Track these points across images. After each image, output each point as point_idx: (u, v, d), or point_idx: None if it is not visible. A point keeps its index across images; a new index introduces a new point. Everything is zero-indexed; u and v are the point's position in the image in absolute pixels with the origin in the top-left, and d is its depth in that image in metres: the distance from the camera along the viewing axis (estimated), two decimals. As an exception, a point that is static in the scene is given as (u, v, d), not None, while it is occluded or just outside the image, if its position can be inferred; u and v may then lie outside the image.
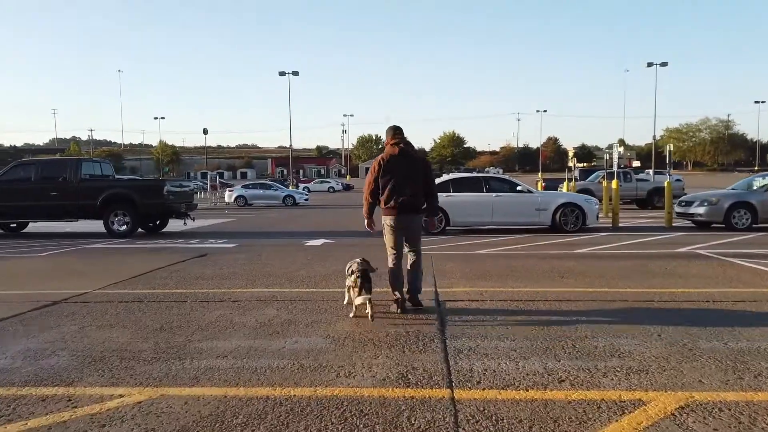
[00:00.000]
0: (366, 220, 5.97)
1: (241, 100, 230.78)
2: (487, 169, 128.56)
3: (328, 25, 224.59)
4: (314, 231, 16.52)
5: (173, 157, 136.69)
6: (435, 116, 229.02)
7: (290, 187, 55.70)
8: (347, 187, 65.35)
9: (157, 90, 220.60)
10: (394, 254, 5.86)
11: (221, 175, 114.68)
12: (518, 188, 14.65)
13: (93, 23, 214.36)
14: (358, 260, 5.66)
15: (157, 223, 16.69)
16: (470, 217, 14.63)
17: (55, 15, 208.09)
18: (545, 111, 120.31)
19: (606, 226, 15.31)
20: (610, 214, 16.69)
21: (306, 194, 35.36)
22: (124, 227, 15.00)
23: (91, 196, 14.96)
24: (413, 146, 5.97)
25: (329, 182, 65.19)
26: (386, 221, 5.85)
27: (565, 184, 23.80)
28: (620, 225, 15.68)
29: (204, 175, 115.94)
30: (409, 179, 5.71)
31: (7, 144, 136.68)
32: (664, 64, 59.41)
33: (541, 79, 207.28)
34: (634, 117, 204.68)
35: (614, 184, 22.95)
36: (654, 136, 69.76)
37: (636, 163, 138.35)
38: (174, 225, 16.88)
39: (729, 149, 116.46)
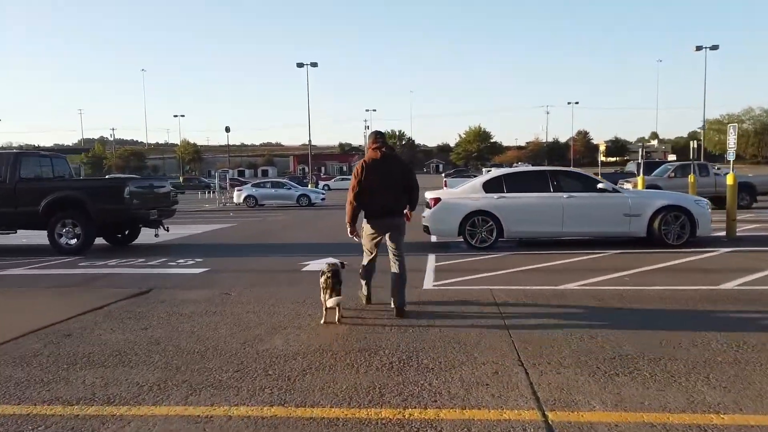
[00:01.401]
0: (348, 227, 5.97)
1: (265, 98, 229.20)
2: (514, 165, 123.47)
3: (350, 19, 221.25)
4: (322, 243, 12.81)
5: (195, 155, 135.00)
6: (460, 110, 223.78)
7: (309, 185, 52.48)
8: (370, 185, 61.69)
9: (181, 88, 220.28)
10: (370, 256, 6.10)
11: (242, 173, 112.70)
12: (599, 186, 10.66)
13: (117, 23, 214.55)
14: (331, 260, 5.78)
15: (127, 233, 13.18)
16: (532, 226, 10.73)
17: (79, 16, 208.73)
18: (576, 103, 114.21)
19: (719, 238, 11.19)
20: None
21: (323, 193, 31.72)
22: (75, 241, 11.47)
23: (32, 200, 11.47)
24: (394, 150, 6.11)
25: (351, 179, 61.58)
26: (368, 223, 5.92)
27: (640, 179, 19.56)
28: (737, 235, 11.53)
29: (226, 173, 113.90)
30: (391, 182, 5.76)
31: (36, 144, 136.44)
32: (714, 47, 54.12)
33: (571, 70, 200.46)
34: (668, 108, 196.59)
35: (691, 178, 18.84)
36: (704, 126, 63.86)
37: (671, 157, 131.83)
38: (148, 236, 13.31)
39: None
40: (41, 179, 12.23)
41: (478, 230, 10.73)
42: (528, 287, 7.01)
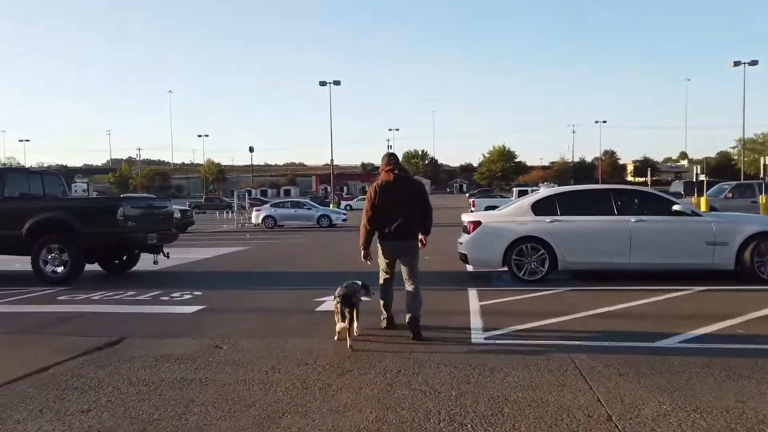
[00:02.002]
0: (362, 251, 5.91)
1: (289, 117, 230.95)
2: (540, 185, 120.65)
3: (373, 39, 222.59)
4: (343, 272, 11.18)
5: (218, 175, 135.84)
6: (484, 130, 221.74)
7: (331, 205, 51.16)
8: (393, 205, 60.16)
9: (206, 109, 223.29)
10: (385, 276, 6.00)
11: (264, 193, 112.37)
12: (675, 208, 8.85)
13: (144, 47, 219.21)
14: (348, 282, 5.63)
15: (124, 259, 11.74)
16: (592, 255, 8.95)
17: (109, 40, 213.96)
18: (605, 122, 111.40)
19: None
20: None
21: (345, 213, 30.21)
22: (61, 269, 10.06)
23: (15, 222, 10.12)
24: (408, 172, 6.18)
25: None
26: (381, 245, 5.86)
27: (703, 201, 17.56)
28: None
29: (249, 193, 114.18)
30: (404, 205, 5.73)
31: (66, 164, 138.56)
32: (753, 63, 51.73)
33: (596, 89, 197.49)
34: (697, 128, 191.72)
35: (762, 199, 16.82)
36: (743, 144, 61.10)
37: (702, 177, 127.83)
38: (146, 262, 11.84)
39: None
40: (27, 198, 10.90)
41: (527, 260, 9.01)
42: (617, 344, 5.25)
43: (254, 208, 30.13)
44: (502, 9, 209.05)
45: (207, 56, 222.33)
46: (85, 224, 9.94)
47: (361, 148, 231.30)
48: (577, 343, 5.32)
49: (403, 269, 5.84)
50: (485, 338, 5.61)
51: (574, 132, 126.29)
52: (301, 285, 9.72)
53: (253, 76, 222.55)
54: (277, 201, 32.56)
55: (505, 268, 9.20)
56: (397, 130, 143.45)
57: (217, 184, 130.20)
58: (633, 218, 8.82)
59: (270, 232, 26.29)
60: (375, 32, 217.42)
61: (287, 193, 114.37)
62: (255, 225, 29.15)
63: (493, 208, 32.53)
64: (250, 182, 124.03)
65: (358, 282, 5.77)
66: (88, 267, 11.01)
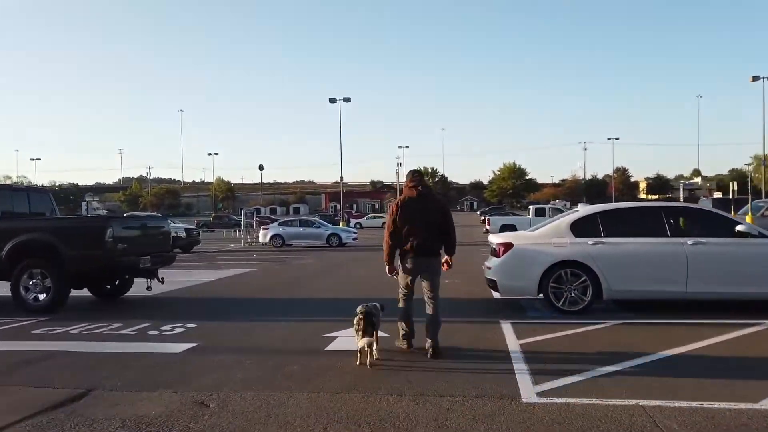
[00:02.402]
0: (387, 266, 5.88)
1: (299, 135, 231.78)
2: (552, 202, 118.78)
3: (383, 56, 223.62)
4: (356, 298, 10.09)
5: (228, 193, 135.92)
6: (494, 148, 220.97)
7: (341, 223, 50.13)
8: (403, 223, 59.02)
9: (218, 127, 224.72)
10: (404, 294, 5.85)
11: (274, 211, 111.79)
12: (738, 229, 7.68)
13: (154, 65, 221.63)
14: (366, 304, 5.52)
15: (116, 284, 10.74)
16: (643, 283, 7.79)
17: (119, 59, 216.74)
18: (617, 139, 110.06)
19: None
20: None
21: (355, 232, 29.19)
22: (44, 296, 9.06)
23: (-6, 244, 9.16)
24: (431, 189, 6.06)
25: (383, 217, 58.88)
26: (402, 262, 5.78)
27: (748, 218, 16.37)
28: None
29: (258, 211, 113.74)
30: (426, 222, 5.67)
31: (77, 182, 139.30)
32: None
33: (608, 106, 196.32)
34: (709, 145, 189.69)
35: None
36: (764, 160, 59.53)
37: (717, 194, 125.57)
38: (141, 287, 10.81)
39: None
40: (9, 217, 9.94)
41: (567, 288, 7.88)
42: (711, 405, 4.11)
43: (262, 227, 29.15)
44: (513, 26, 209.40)
45: (218, 75, 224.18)
46: (70, 247, 8.93)
47: (370, 165, 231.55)
48: (657, 403, 4.18)
49: (424, 288, 5.80)
50: (538, 394, 4.47)
51: (585, 149, 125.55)
52: (308, 315, 8.64)
53: (264, 94, 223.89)
54: (286, 219, 31.58)
55: (540, 295, 8.07)
56: (407, 147, 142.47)
57: (227, 202, 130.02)
58: (689, 240, 7.68)
59: (278, 251, 25.27)
60: (385, 49, 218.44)
61: (296, 211, 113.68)
62: (263, 244, 28.18)
63: (510, 227, 31.55)
64: (260, 200, 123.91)
65: (376, 304, 5.70)
66: (78, 292, 10.03)
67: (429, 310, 5.75)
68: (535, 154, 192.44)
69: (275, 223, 29.42)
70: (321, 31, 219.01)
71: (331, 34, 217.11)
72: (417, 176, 5.95)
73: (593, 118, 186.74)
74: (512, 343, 6.27)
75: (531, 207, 30.56)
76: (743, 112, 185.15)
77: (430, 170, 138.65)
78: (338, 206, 69.90)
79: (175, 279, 13.92)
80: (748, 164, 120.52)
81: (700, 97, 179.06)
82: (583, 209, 8.63)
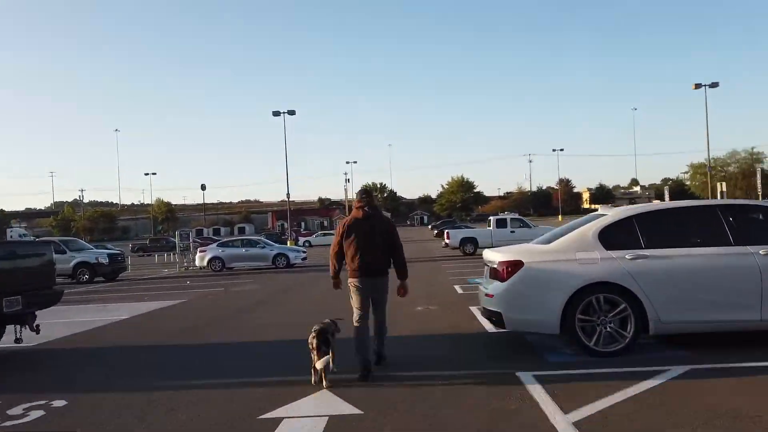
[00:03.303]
0: (333, 281, 6.07)
1: (242, 154, 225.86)
2: (502, 213, 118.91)
3: (327, 72, 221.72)
4: (302, 339, 7.63)
5: (168, 215, 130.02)
6: (441, 162, 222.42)
7: (288, 242, 47.14)
8: (354, 240, 56.43)
9: (155, 147, 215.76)
10: (359, 314, 5.79)
11: (217, 232, 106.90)
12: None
13: (89, 81, 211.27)
14: (324, 321, 5.63)
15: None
16: (702, 310, 5.71)
17: (49, 73, 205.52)
18: (562, 150, 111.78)
19: None
20: None
21: (304, 251, 26.51)
22: None
23: None
24: (379, 209, 6.08)
25: (333, 234, 56.24)
26: (351, 282, 5.81)
27: None
28: None
29: (200, 232, 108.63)
30: (372, 242, 5.72)
31: (7, 209, 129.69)
32: (714, 85, 51.43)
33: (549, 119, 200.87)
34: (646, 155, 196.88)
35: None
36: (709, 167, 60.77)
37: (656, 201, 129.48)
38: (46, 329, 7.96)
39: (762, 182, 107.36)
40: None
41: (599, 320, 5.73)
42: None
43: (198, 249, 26.07)
44: (455, 39, 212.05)
45: (156, 92, 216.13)
46: None
47: (318, 183, 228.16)
48: None
49: (372, 309, 5.84)
50: None
51: (530, 161, 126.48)
52: (242, 374, 6.12)
53: (205, 111, 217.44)
54: (226, 240, 28.59)
55: (558, 329, 5.89)
56: (355, 162, 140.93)
57: (168, 224, 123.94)
58: (761, 249, 5.68)
59: (217, 276, 22.33)
60: (330, 64, 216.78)
61: (241, 231, 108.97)
62: (200, 268, 25.14)
63: (471, 239, 29.71)
64: (203, 221, 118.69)
65: (328, 320, 5.73)
66: None
67: (375, 320, 5.88)
68: (482, 167, 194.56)
69: (214, 245, 26.37)
70: (265, 45, 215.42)
71: (276, 48, 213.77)
72: (365, 197, 5.95)
73: (533, 131, 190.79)
74: (558, 418, 4.01)
75: (491, 218, 28.68)
76: (677, 123, 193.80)
77: (378, 185, 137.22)
78: (285, 224, 66.76)
79: (75, 318, 11.10)
80: (684, 173, 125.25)
81: (635, 109, 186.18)
82: (612, 212, 6.48)
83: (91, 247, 25.83)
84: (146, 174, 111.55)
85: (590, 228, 6.16)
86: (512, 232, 26.56)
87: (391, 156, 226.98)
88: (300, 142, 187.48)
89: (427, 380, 5.34)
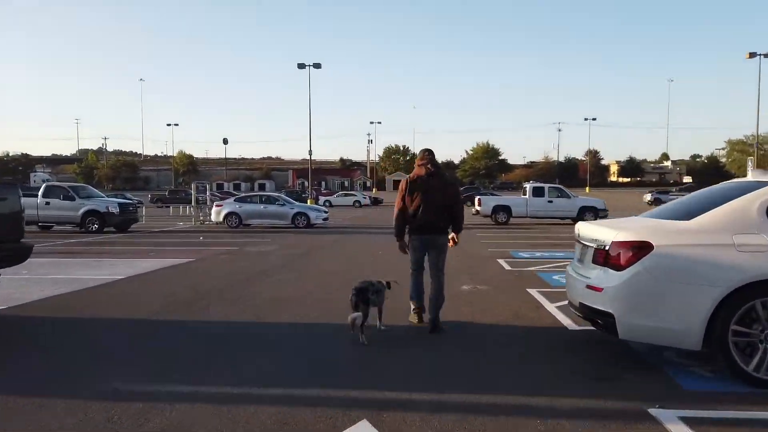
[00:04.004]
0: (398, 243, 6.05)
1: (266, 111, 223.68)
2: (525, 184, 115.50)
3: (354, 30, 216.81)
4: (335, 324, 5.92)
5: (190, 167, 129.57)
6: (466, 127, 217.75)
7: (309, 201, 45.58)
8: (376, 201, 54.51)
9: (180, 99, 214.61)
10: (415, 270, 5.97)
11: (238, 187, 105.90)
12: None
13: (113, 31, 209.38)
14: (365, 280, 5.63)
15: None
16: None
17: (75, 24, 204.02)
18: (594, 119, 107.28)
19: None
20: None
21: (326, 211, 24.84)
22: None
23: None
24: (441, 168, 6.06)
25: (355, 195, 54.37)
26: (411, 239, 5.93)
27: None
28: None
29: (219, 186, 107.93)
30: (434, 200, 5.73)
31: (35, 154, 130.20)
32: (769, 55, 47.69)
33: (580, 88, 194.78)
34: (682, 128, 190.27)
35: None
36: (757, 144, 57.20)
37: (687, 179, 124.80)
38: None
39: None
40: None
41: (765, 336, 3.92)
42: None
43: (215, 204, 24.55)
44: (490, 6, 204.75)
45: (182, 42, 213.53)
46: None
47: (340, 143, 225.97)
48: None
49: (430, 265, 5.88)
50: None
51: (560, 130, 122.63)
52: (248, 380, 4.45)
53: (231, 65, 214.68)
54: (244, 195, 27.00)
55: (698, 344, 4.10)
56: (380, 123, 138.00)
57: (189, 176, 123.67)
58: None
59: (232, 233, 20.84)
60: (357, 23, 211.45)
61: (262, 187, 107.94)
62: (216, 224, 23.70)
63: (504, 208, 27.73)
64: (224, 175, 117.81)
65: (380, 280, 5.75)
66: None
67: (433, 285, 5.81)
68: (508, 134, 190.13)
69: (231, 199, 24.81)
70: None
71: (305, 4, 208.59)
72: (428, 155, 5.92)
73: (563, 99, 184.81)
74: None
75: (527, 185, 26.56)
76: (712, 98, 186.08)
77: (401, 148, 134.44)
78: (306, 183, 65.25)
79: (67, 275, 9.62)
80: (721, 149, 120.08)
81: (671, 80, 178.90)
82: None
83: (103, 195, 24.46)
84: (168, 125, 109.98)
85: (753, 201, 4.25)
86: (550, 201, 24.57)
87: (415, 119, 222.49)
88: (324, 101, 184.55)
89: (506, 409, 3.62)
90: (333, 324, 6.09)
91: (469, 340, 5.57)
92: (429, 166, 5.81)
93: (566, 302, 7.24)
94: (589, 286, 4.51)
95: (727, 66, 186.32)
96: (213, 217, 23.88)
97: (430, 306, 5.78)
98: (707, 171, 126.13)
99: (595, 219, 25.21)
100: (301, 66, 50.20)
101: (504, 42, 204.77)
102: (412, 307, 6.01)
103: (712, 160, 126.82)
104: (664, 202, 38.71)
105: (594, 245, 4.66)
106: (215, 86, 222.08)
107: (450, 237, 5.88)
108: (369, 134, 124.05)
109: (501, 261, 11.89)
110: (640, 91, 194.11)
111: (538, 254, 13.23)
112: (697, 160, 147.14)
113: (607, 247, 4.42)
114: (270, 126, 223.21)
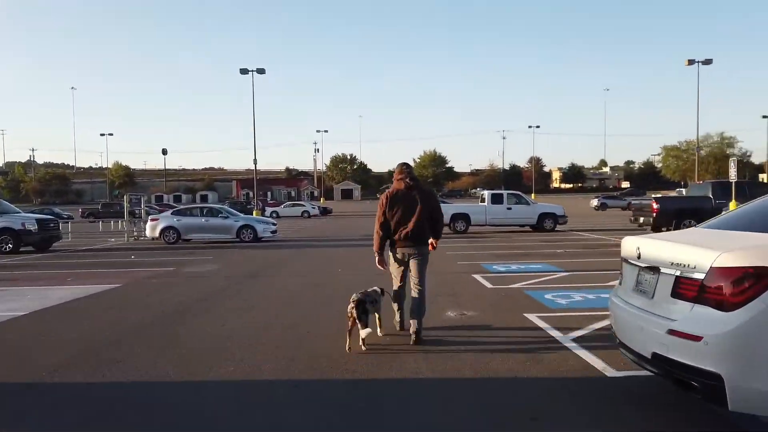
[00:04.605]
0: (376, 257, 6.03)
1: (208, 121, 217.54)
2: (472, 191, 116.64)
3: (299, 38, 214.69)
4: (286, 384, 4.33)
5: (126, 179, 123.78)
6: (411, 136, 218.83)
7: (254, 213, 43.24)
8: (325, 211, 52.58)
9: (117, 109, 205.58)
10: (399, 284, 6.07)
11: (178, 199, 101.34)
12: None
13: (46, 39, 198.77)
14: (364, 290, 5.72)
15: None
16: None
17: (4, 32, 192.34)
18: (538, 127, 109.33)
19: None
20: None
21: (274, 223, 22.95)
22: None
23: None
24: (419, 181, 6.14)
25: (303, 205, 52.24)
26: (393, 252, 6.01)
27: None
28: None
29: (159, 199, 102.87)
30: (414, 212, 5.81)
31: None
32: (707, 62, 49.16)
33: (523, 97, 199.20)
34: (618, 135, 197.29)
35: None
36: (698, 148, 59.01)
37: (625, 184, 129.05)
38: None
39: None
40: None
41: None
42: None
43: (150, 217, 22.25)
44: (435, 14, 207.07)
45: (118, 48, 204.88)
46: None
47: (286, 152, 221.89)
48: None
49: (411, 276, 5.97)
50: None
51: (504, 137, 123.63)
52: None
53: (170, 77, 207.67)
54: (182, 207, 24.75)
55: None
56: (326, 131, 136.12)
57: (125, 188, 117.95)
58: None
59: (169, 250, 18.70)
60: (302, 29, 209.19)
61: (204, 198, 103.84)
62: (152, 239, 21.46)
63: (463, 216, 26.37)
64: (164, 187, 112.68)
65: (375, 289, 5.89)
66: None
67: (414, 294, 5.88)
68: (453, 142, 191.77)
69: (168, 212, 22.58)
70: (237, 7, 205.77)
71: (243, 8, 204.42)
72: (405, 169, 6.03)
73: (507, 108, 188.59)
74: None
75: (485, 192, 25.57)
76: (646, 105, 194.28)
77: (348, 157, 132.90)
78: (251, 193, 62.52)
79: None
80: (656, 155, 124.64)
81: (607, 90, 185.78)
82: None
83: (19, 210, 21.73)
84: (102, 134, 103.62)
85: None
86: (509, 208, 23.64)
87: (362, 127, 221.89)
88: (269, 110, 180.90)
89: None
90: (296, 381, 4.50)
91: (493, 410, 4.10)
92: (408, 180, 5.92)
93: (581, 332, 5.96)
94: (675, 332, 3.12)
95: (660, 75, 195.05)
96: (148, 233, 21.61)
97: (413, 315, 5.77)
98: (644, 176, 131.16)
99: (555, 226, 24.54)
100: (244, 71, 47.86)
101: (448, 50, 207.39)
102: (396, 314, 6.20)
103: (648, 165, 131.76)
104: (611, 207, 38.50)
105: (674, 271, 3.29)
106: (154, 94, 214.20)
107: (429, 242, 5.98)
108: (315, 143, 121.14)
109: (477, 277, 10.56)
110: (579, 99, 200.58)
111: (514, 267, 12.01)
112: (631, 166, 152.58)
113: (701, 275, 3.05)
114: (213, 136, 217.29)
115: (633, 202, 22.86)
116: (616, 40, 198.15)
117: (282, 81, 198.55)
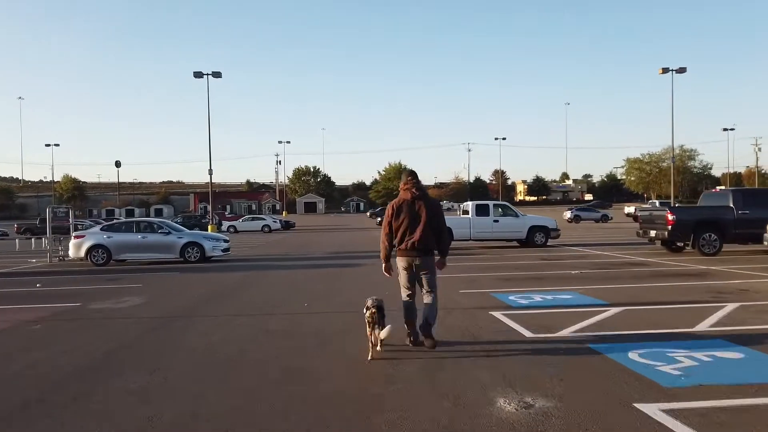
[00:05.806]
0: (383, 265, 6.07)
1: (165, 133, 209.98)
2: (452, 204, 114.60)
3: (261, 47, 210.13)
4: None
5: (75, 192, 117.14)
6: (376, 148, 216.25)
7: (209, 228, 39.41)
8: (287, 225, 48.76)
9: (67, 121, 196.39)
10: (407, 293, 6.01)
11: (131, 213, 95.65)
12: None
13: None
14: (374, 297, 5.75)
15: None
16: None
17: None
18: (504, 139, 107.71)
19: None
20: None
21: (226, 240, 19.40)
22: None
23: None
24: (425, 190, 6.12)
25: (263, 219, 48.22)
26: (399, 263, 6.00)
27: None
28: None
29: (110, 213, 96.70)
30: (421, 222, 5.83)
31: None
32: (681, 70, 48.15)
33: (486, 111, 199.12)
34: (581, 149, 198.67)
35: None
36: (673, 158, 58.07)
37: (588, 196, 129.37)
38: None
39: (696, 179, 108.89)
40: None
41: None
42: None
43: (74, 234, 18.51)
44: (398, 26, 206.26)
45: (69, 56, 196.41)
46: None
47: (247, 165, 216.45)
48: None
49: (423, 285, 5.96)
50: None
51: (469, 150, 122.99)
52: None
53: (122, 83, 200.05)
54: (114, 222, 21.06)
55: None
56: (288, 142, 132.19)
57: (74, 202, 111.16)
58: None
59: (94, 274, 15.11)
60: (263, 39, 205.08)
61: (159, 212, 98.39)
62: (78, 260, 17.78)
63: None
64: (116, 201, 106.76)
65: (380, 299, 5.78)
66: None
67: (427, 300, 5.90)
68: (418, 155, 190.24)
69: (96, 228, 18.89)
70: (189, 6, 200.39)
71: (202, 13, 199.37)
72: (411, 179, 6.01)
73: (473, 120, 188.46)
74: None
75: (469, 204, 22.66)
76: (607, 117, 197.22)
77: (312, 169, 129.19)
78: (208, 206, 58.30)
79: None
80: (619, 167, 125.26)
81: (568, 104, 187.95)
82: None
83: None
84: (47, 145, 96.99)
85: None
86: (496, 221, 20.85)
87: (325, 140, 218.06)
88: (229, 122, 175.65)
89: None
90: None
91: None
92: (414, 190, 5.90)
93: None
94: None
95: (620, 89, 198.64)
96: (71, 252, 17.90)
97: (425, 315, 5.79)
98: (606, 188, 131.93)
99: (547, 240, 21.88)
100: (198, 75, 44.37)
101: (411, 62, 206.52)
102: (407, 330, 5.99)
103: (611, 177, 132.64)
104: (584, 220, 35.81)
105: None
106: (106, 105, 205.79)
107: (437, 261, 5.95)
108: (278, 155, 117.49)
109: (498, 315, 7.59)
110: (541, 112, 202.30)
111: (537, 298, 9.10)
112: (588, 180, 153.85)
113: None
114: (170, 148, 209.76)
115: (640, 212, 20.27)
116: (576, 57, 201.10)
117: (242, 92, 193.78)
